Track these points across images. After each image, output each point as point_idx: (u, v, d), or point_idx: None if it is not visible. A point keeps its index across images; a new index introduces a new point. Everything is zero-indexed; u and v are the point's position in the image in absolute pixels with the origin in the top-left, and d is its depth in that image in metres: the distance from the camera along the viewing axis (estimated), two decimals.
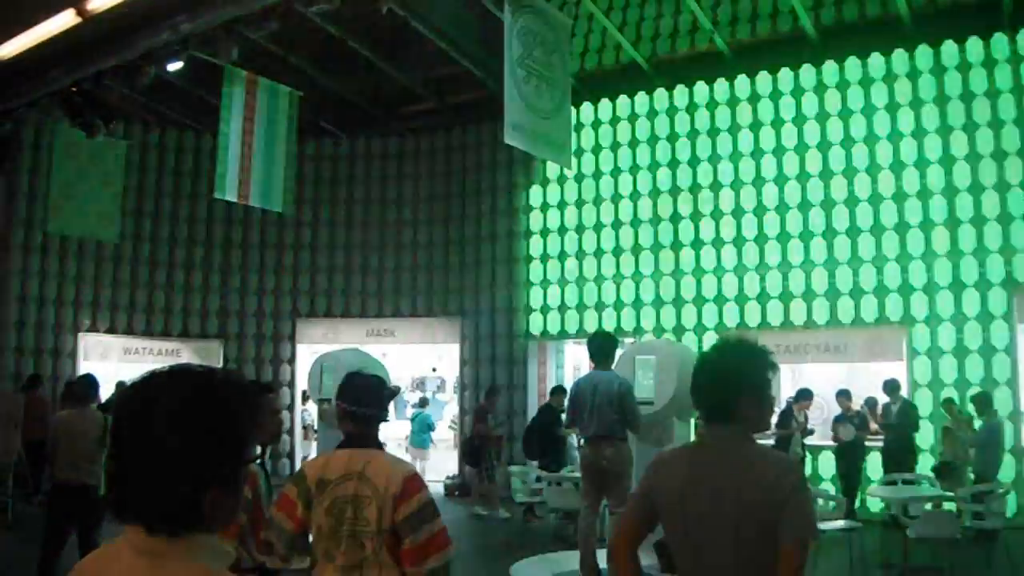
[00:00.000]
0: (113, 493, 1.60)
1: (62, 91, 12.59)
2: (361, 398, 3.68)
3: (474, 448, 14.29)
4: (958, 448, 11.88)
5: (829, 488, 12.90)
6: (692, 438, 9.52)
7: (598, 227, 16.12)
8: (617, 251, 15.89)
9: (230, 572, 1.61)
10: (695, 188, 15.30)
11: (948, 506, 10.46)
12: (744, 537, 2.79)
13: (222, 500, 1.59)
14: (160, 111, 17.60)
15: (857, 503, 12.58)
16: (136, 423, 1.58)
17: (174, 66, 12.41)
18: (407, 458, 16.86)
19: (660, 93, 15.74)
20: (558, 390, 14.18)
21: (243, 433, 1.65)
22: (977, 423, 11.80)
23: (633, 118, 16.03)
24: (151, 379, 1.63)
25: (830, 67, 14.34)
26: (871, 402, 13.25)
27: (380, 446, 3.63)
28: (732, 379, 2.96)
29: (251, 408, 1.68)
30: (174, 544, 1.55)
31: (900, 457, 12.08)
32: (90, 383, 8.45)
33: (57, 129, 13.98)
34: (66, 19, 10.58)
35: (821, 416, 14.25)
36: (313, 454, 12.50)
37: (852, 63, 14.17)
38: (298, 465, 16.58)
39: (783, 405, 13.31)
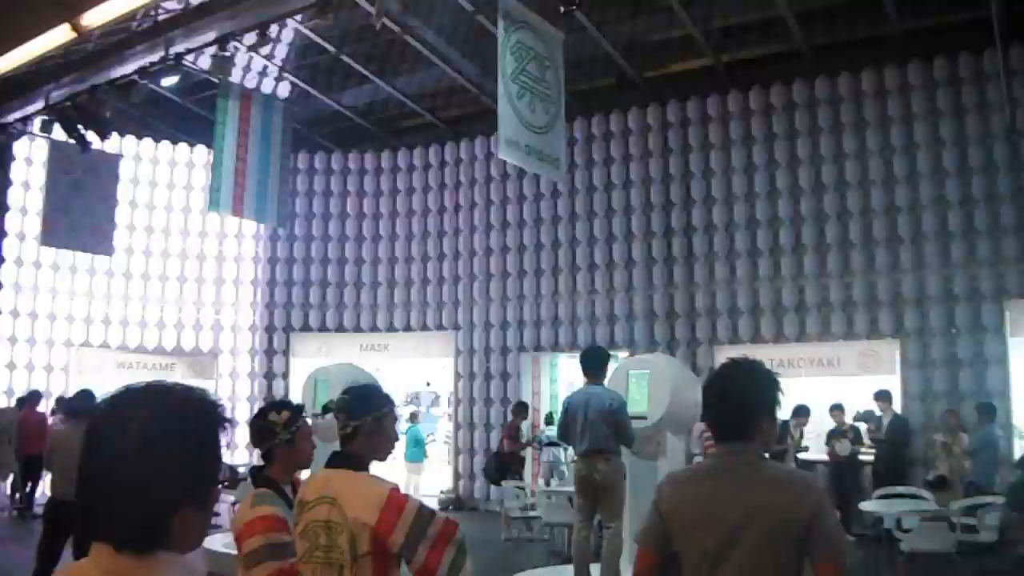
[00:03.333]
0: (83, 510, 1.59)
1: (56, 105, 12.61)
2: (339, 412, 3.48)
3: (502, 465, 13.97)
4: (953, 461, 11.90)
5: None
6: (683, 453, 9.51)
7: (591, 241, 16.14)
8: (610, 265, 15.91)
9: None
10: (688, 202, 15.34)
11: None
12: (771, 556, 2.79)
13: (192, 519, 1.58)
14: (154, 125, 17.60)
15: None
16: (107, 439, 1.57)
17: (168, 80, 12.46)
18: (402, 473, 16.86)
19: (654, 108, 15.79)
20: (520, 407, 14.30)
21: (214, 452, 1.64)
22: (965, 437, 11.84)
23: (626, 132, 16.07)
24: (124, 395, 1.62)
25: (822, 82, 14.40)
26: (869, 416, 13.22)
27: (361, 466, 3.36)
28: (756, 398, 2.98)
29: (221, 425, 1.66)
30: (142, 562, 1.54)
31: (892, 471, 12.09)
32: (87, 398, 8.45)
33: (51, 143, 13.97)
34: (61, 34, 10.61)
35: (815, 431, 14.24)
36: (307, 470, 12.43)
37: (844, 78, 14.24)
38: None
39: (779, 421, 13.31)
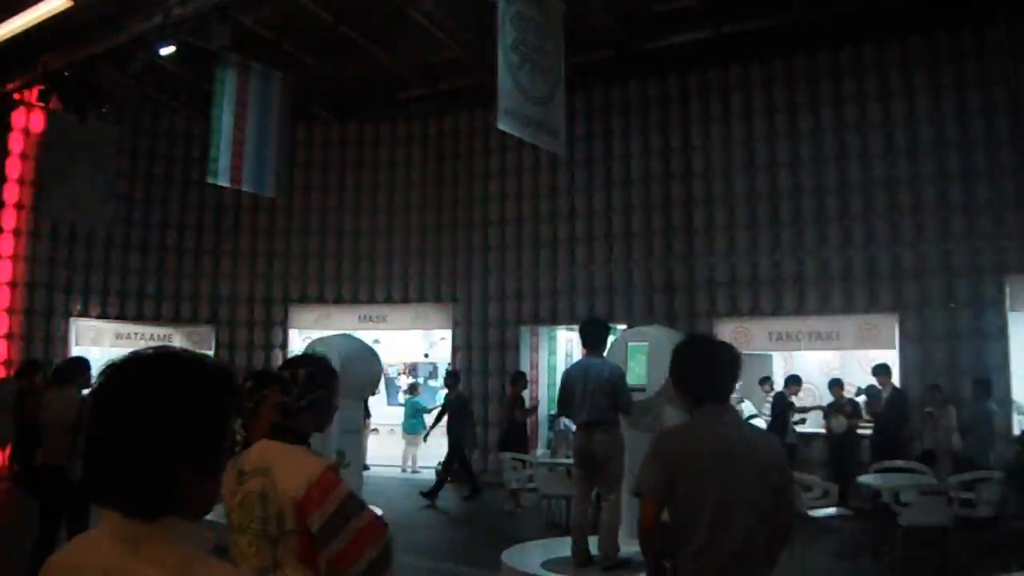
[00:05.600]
0: (90, 476, 1.58)
1: (54, 75, 12.55)
2: (288, 385, 3.35)
3: (517, 435, 13.94)
4: (939, 435, 11.93)
5: (819, 476, 12.94)
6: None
7: (590, 213, 16.10)
8: (610, 237, 15.88)
9: (209, 556, 1.59)
10: (688, 175, 15.29)
11: None
12: (762, 498, 3.30)
13: (201, 486, 1.58)
14: (152, 96, 17.51)
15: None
16: (115, 404, 1.57)
17: (166, 51, 12.40)
18: (400, 444, 16.91)
19: (654, 80, 15.72)
20: (518, 376, 14.33)
21: (223, 419, 1.64)
22: (952, 410, 11.92)
23: (626, 104, 16.00)
24: (133, 360, 1.61)
25: (824, 55, 14.33)
26: (871, 391, 13.23)
27: (300, 439, 3.23)
28: (734, 367, 3.56)
29: (232, 393, 1.67)
30: (151, 529, 1.53)
31: (891, 445, 12.11)
32: (75, 364, 8.45)
33: (49, 114, 13.90)
34: (58, 3, 10.54)
35: (812, 403, 14.29)
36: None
37: (845, 52, 14.17)
38: None
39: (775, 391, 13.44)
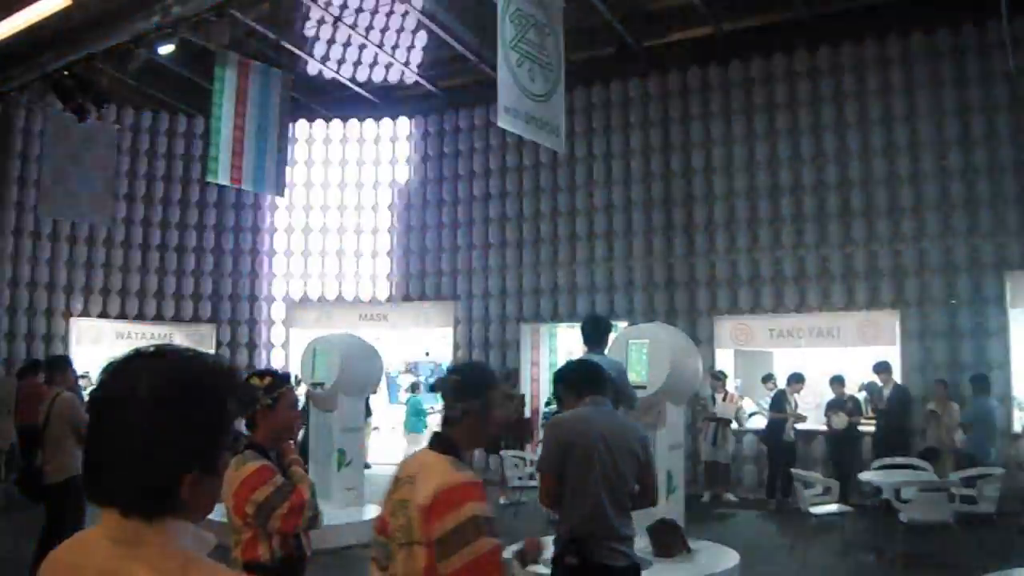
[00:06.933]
0: (90, 475, 1.57)
1: (53, 74, 12.53)
2: (445, 393, 3.23)
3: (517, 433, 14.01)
4: (942, 433, 11.92)
5: (820, 473, 12.93)
6: (682, 422, 9.54)
7: (591, 210, 16.09)
8: (610, 235, 15.86)
9: (208, 559, 1.57)
10: (688, 172, 15.28)
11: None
12: (628, 467, 4.51)
13: (202, 484, 1.56)
14: (151, 95, 17.49)
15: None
16: (116, 402, 1.56)
17: (165, 49, 12.36)
18: (401, 443, 16.90)
19: (654, 77, 15.70)
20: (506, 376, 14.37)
21: (224, 417, 1.62)
22: (955, 407, 11.89)
23: (626, 102, 15.99)
24: (133, 358, 1.60)
25: (824, 51, 14.31)
26: (873, 388, 13.23)
27: (451, 450, 3.09)
28: (602, 375, 4.88)
29: (233, 391, 1.65)
30: (150, 529, 1.51)
31: (893, 442, 12.09)
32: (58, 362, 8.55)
33: (48, 113, 13.89)
34: (57, 2, 10.52)
35: (814, 401, 14.26)
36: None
37: (846, 48, 14.15)
38: None
39: (777, 389, 13.43)
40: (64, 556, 1.62)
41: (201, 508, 1.60)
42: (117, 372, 1.59)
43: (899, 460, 10.88)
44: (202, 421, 1.58)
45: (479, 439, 3.24)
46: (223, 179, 12.74)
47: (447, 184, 17.82)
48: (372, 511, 11.27)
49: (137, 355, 1.61)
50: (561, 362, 16.32)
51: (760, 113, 14.78)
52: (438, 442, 3.13)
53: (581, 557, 4.40)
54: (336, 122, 18.77)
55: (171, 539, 1.53)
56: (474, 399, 3.15)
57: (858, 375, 14.02)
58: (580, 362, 5.42)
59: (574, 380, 4.88)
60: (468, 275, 17.32)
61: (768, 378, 14.08)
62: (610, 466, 4.44)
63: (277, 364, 17.87)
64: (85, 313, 17.21)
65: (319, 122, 18.74)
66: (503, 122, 8.97)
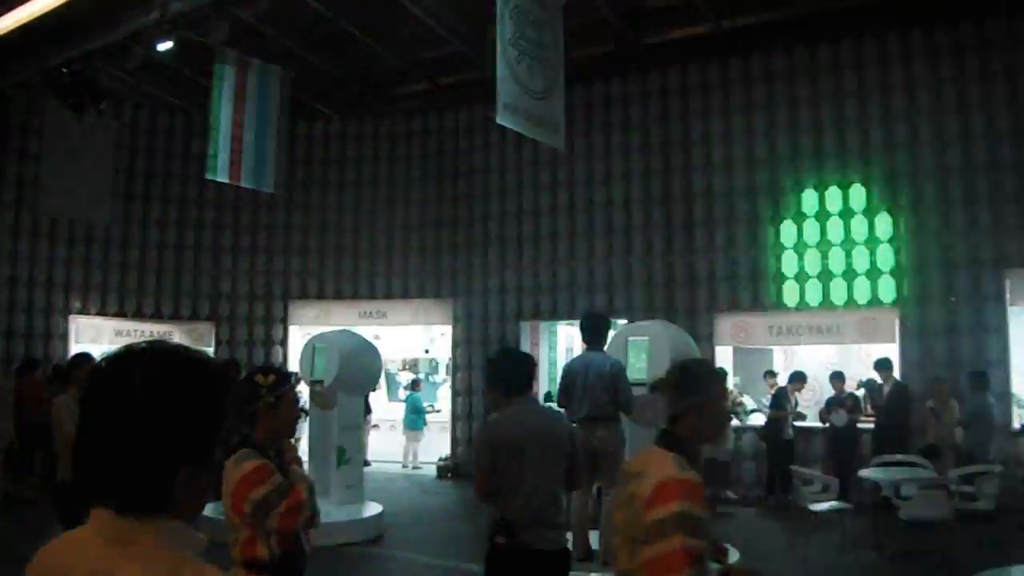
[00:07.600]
0: (83, 472, 1.56)
1: (51, 72, 12.52)
2: (667, 389, 3.25)
3: None
4: (942, 430, 11.92)
5: (819, 470, 12.93)
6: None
7: (590, 208, 16.08)
8: (610, 232, 15.85)
9: (200, 560, 1.56)
10: (688, 169, 15.26)
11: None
12: (557, 461, 4.75)
13: (195, 481, 1.55)
14: (150, 92, 17.46)
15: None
16: (108, 397, 1.54)
17: (164, 46, 12.35)
18: (400, 440, 16.90)
19: (654, 74, 15.69)
20: None
21: (218, 413, 1.62)
22: (955, 405, 11.89)
23: (626, 99, 15.97)
24: (126, 354, 1.59)
25: (824, 49, 14.30)
26: (872, 385, 13.23)
27: (676, 446, 3.09)
28: (528, 366, 5.09)
29: (227, 387, 1.65)
30: (143, 527, 1.50)
31: (892, 439, 12.09)
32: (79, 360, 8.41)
33: (47, 110, 13.86)
34: None
35: (814, 398, 14.28)
36: (304, 436, 12.38)
37: (846, 46, 14.14)
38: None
39: (778, 386, 13.42)
40: (53, 556, 1.61)
41: (193, 505, 1.60)
42: (109, 367, 1.58)
43: (898, 457, 10.88)
44: (195, 416, 1.57)
45: (706, 434, 3.24)
46: (222, 176, 12.74)
47: (446, 181, 17.79)
48: (371, 508, 11.28)
49: (128, 351, 1.60)
50: (561, 360, 16.36)
51: (760, 110, 14.76)
52: (664, 438, 3.17)
53: (511, 538, 4.59)
54: (336, 120, 18.72)
55: (164, 539, 1.52)
56: (696, 395, 3.17)
57: (856, 373, 14.03)
58: (502, 360, 5.31)
59: (497, 381, 5.08)
60: (468, 272, 17.30)
61: (769, 374, 14.11)
62: (540, 461, 4.65)
63: (276, 362, 17.86)
64: (84, 311, 17.18)
65: (319, 120, 18.69)
66: (502, 119, 8.97)
